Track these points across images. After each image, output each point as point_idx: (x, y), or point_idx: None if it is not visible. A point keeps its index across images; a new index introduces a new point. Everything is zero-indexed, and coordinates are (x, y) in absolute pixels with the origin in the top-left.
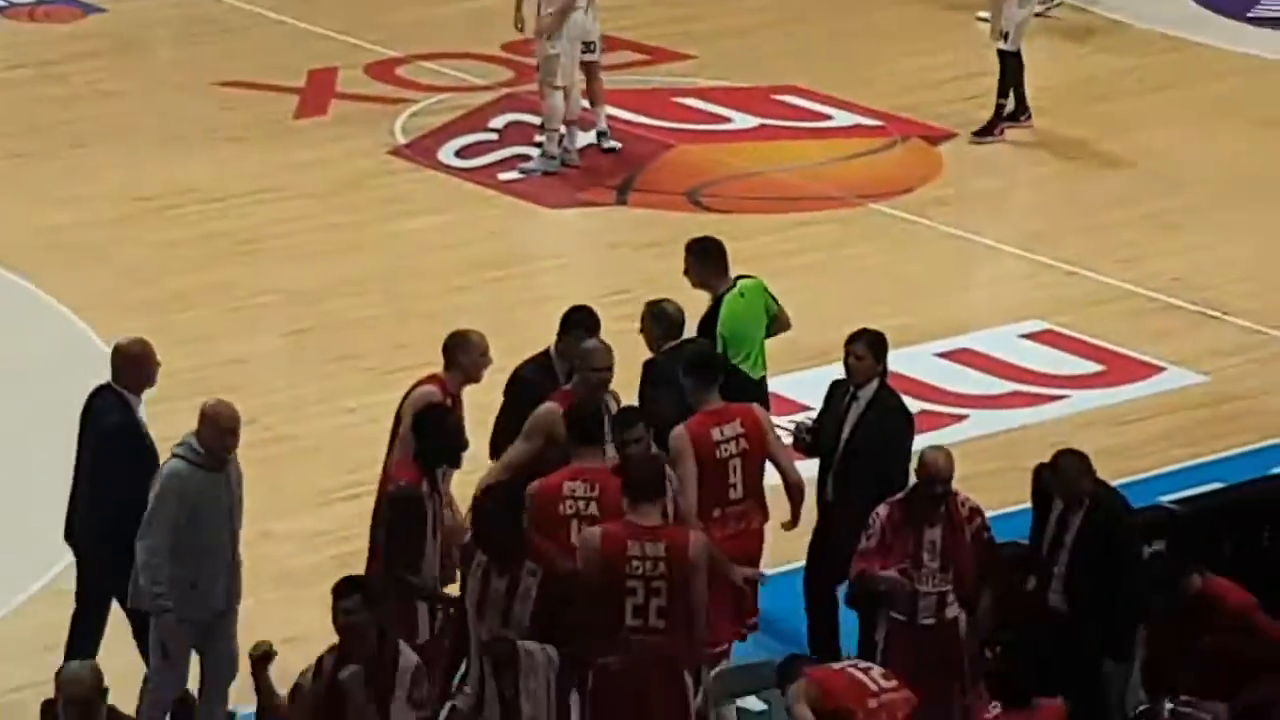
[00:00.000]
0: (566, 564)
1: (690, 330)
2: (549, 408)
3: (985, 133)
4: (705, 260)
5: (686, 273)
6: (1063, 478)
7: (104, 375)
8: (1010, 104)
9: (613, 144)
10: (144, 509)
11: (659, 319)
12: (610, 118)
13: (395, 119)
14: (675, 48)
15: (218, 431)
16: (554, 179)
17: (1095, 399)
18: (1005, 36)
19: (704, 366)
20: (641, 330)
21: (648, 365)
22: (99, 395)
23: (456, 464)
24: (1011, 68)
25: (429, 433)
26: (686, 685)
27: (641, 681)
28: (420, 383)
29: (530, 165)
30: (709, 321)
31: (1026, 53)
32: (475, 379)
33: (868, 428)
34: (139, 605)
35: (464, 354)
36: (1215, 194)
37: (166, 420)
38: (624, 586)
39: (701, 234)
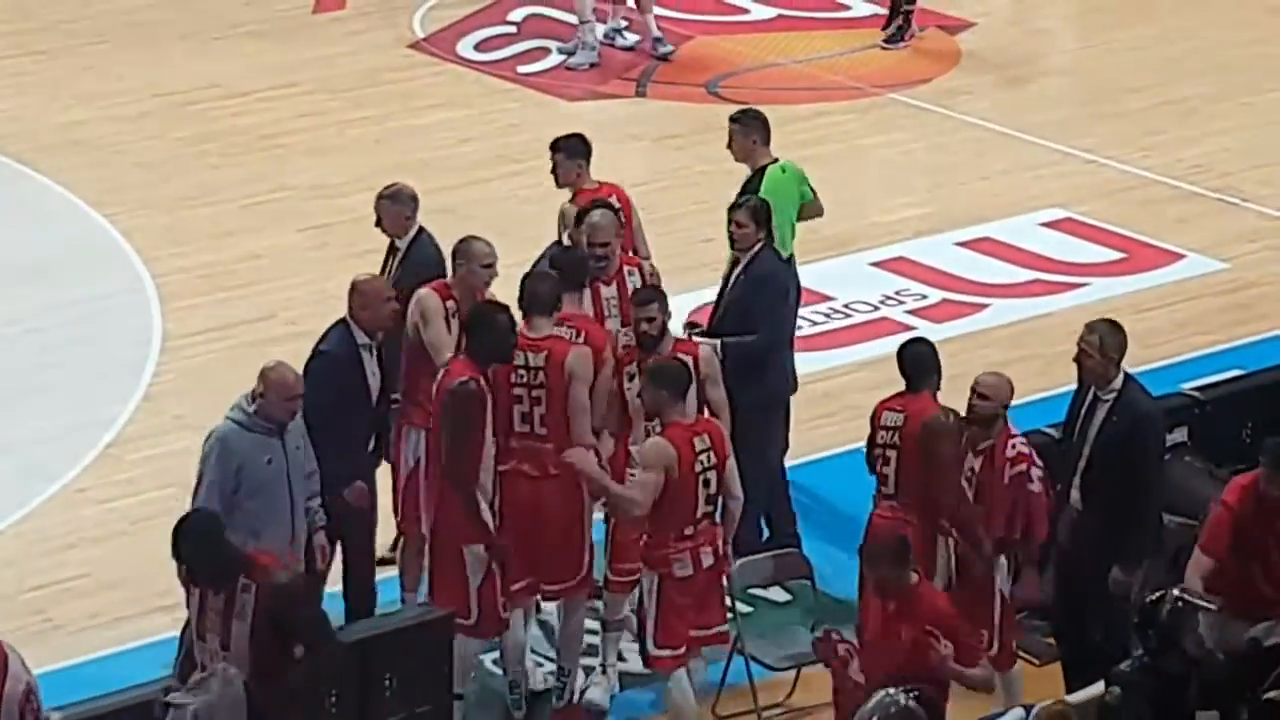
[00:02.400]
0: (282, 576)
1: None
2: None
3: (894, 40)
4: (752, 130)
5: (730, 145)
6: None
7: (122, 269)
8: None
9: (629, 41)
10: None
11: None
12: (630, 9)
13: (414, 13)
14: None
15: (280, 397)
16: (574, 70)
17: (1115, 287)
18: None
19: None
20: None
21: None
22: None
23: (508, 361)
24: None
25: (482, 332)
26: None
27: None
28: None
29: (577, 60)
30: (749, 191)
31: None
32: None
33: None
34: None
35: (465, 261)
36: (1235, 81)
37: (186, 315)
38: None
39: (721, 125)
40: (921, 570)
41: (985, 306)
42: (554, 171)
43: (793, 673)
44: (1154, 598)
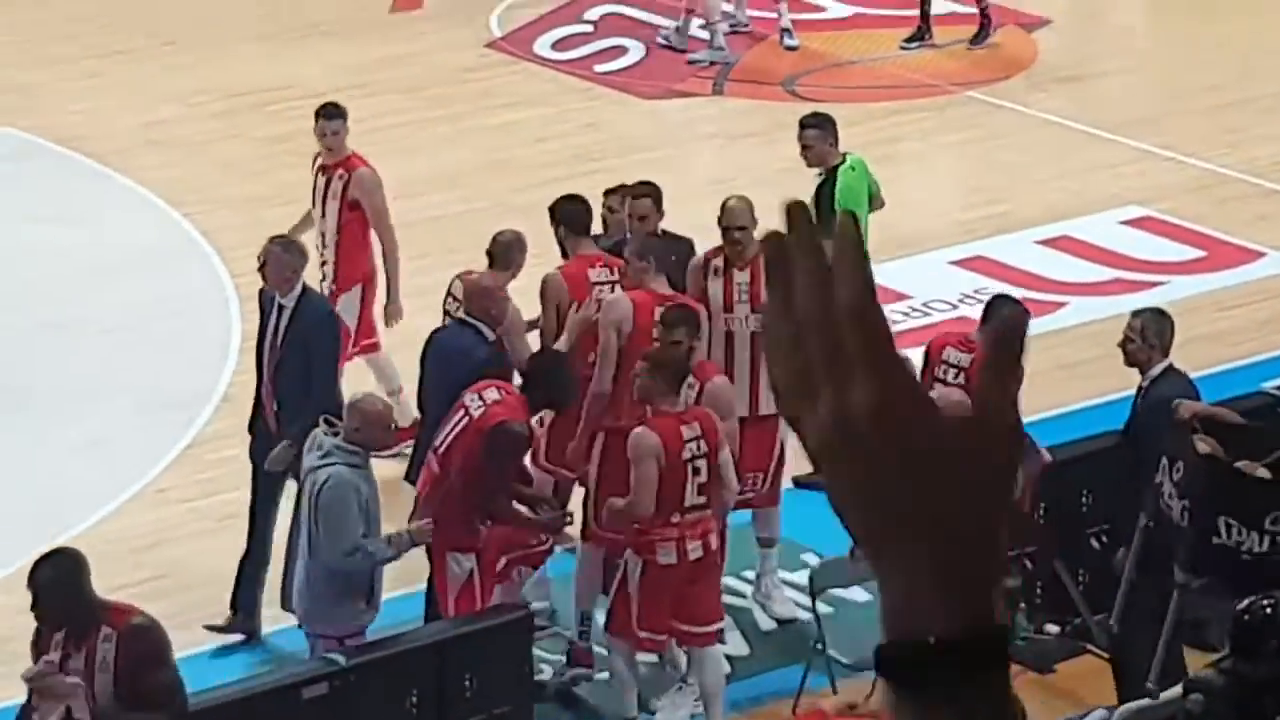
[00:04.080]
0: (141, 620)
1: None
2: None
3: (979, 39)
4: (827, 132)
5: (805, 148)
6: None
7: (202, 269)
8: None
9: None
10: None
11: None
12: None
13: (491, 12)
14: None
15: (380, 428)
16: (650, 69)
17: (1196, 285)
18: None
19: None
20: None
21: None
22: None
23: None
24: None
25: (539, 382)
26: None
27: None
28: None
29: (699, 56)
30: (825, 195)
31: None
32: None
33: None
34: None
35: (521, 253)
36: None
37: None
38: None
39: (796, 123)
40: None
41: (1065, 305)
42: (806, 149)
43: (873, 673)
44: (1244, 604)
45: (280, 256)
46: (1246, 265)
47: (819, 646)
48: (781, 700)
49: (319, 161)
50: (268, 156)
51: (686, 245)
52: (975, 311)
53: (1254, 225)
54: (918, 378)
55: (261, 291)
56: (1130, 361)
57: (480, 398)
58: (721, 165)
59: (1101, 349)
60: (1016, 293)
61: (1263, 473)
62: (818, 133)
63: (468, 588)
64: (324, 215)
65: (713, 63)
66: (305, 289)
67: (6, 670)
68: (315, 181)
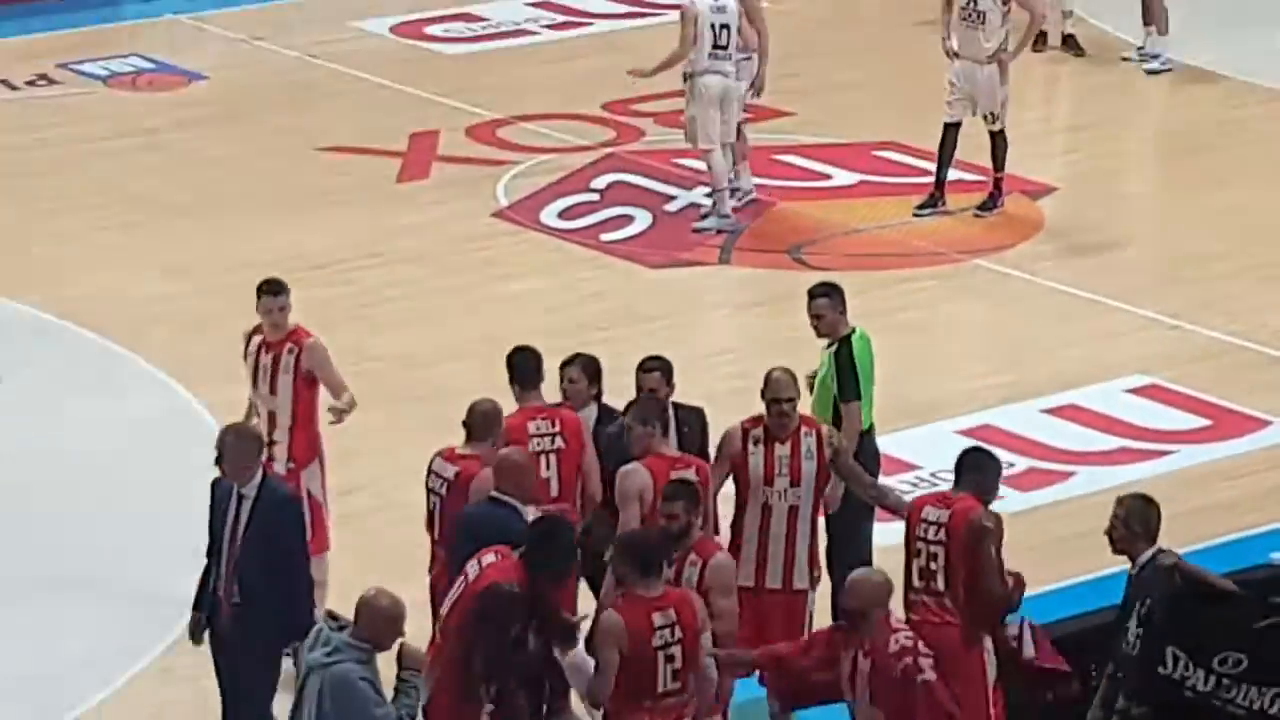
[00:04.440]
0: None
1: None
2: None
3: (988, 207)
4: (837, 301)
5: (816, 317)
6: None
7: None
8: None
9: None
10: None
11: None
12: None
13: (497, 181)
14: (775, 105)
15: (391, 626)
16: (657, 238)
17: (1203, 454)
18: (994, 118)
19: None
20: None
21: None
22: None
23: (562, 581)
24: (1002, 145)
25: (540, 546)
26: None
27: None
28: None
29: (705, 224)
30: (844, 362)
31: (1128, 105)
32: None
33: None
34: None
35: (493, 429)
36: None
37: None
38: None
39: (805, 292)
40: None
41: (1072, 474)
42: (818, 318)
43: None
44: None
45: (237, 445)
46: (1253, 434)
47: None
48: None
49: (261, 339)
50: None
51: (698, 415)
52: None
53: (1259, 393)
54: None
55: (216, 482)
56: (1117, 550)
57: (479, 563)
58: (728, 334)
59: (1107, 520)
60: (1023, 463)
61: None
62: (828, 302)
63: None
64: (274, 393)
65: (719, 231)
66: (265, 475)
67: None
68: (259, 361)
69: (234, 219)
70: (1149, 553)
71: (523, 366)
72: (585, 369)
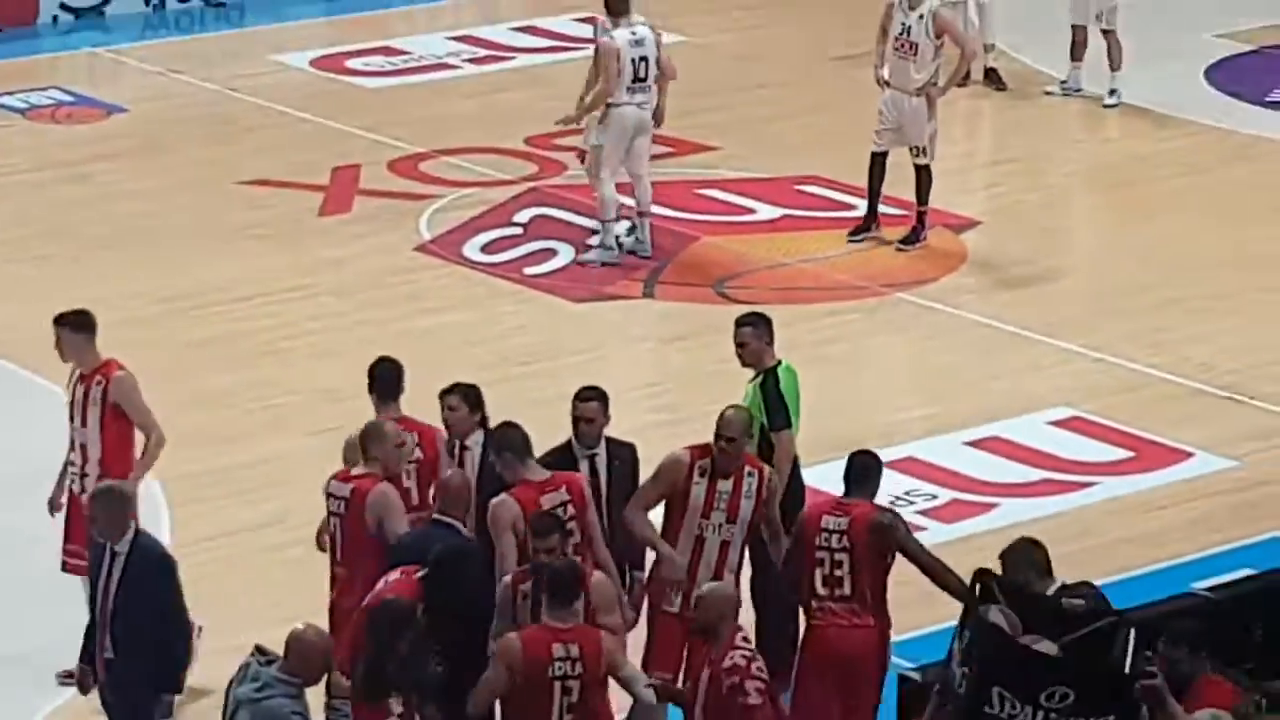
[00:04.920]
0: None
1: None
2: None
3: (910, 240)
4: (764, 332)
5: (740, 345)
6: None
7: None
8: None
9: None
10: None
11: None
12: (635, 210)
13: (420, 215)
14: (699, 139)
15: (320, 660)
16: (580, 272)
17: (1125, 485)
18: (921, 151)
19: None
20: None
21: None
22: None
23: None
24: (927, 179)
25: (438, 572)
26: None
27: None
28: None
29: (589, 256)
30: (770, 391)
31: (1052, 139)
32: (394, 472)
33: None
34: None
35: (378, 446)
36: (1240, 278)
37: (194, 522)
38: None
39: (729, 325)
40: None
41: (995, 506)
42: (742, 347)
43: None
44: None
45: (105, 505)
46: (1176, 465)
47: None
48: None
49: (77, 372)
50: (194, 362)
51: (629, 450)
52: (906, 512)
53: (1182, 425)
54: None
55: (91, 541)
56: None
57: (385, 580)
58: (652, 368)
59: None
60: (946, 494)
61: (1048, 647)
62: (753, 330)
63: None
64: (84, 425)
65: (603, 264)
66: (138, 533)
67: None
68: (73, 394)
69: (154, 251)
70: (1053, 588)
71: (383, 377)
72: (465, 397)
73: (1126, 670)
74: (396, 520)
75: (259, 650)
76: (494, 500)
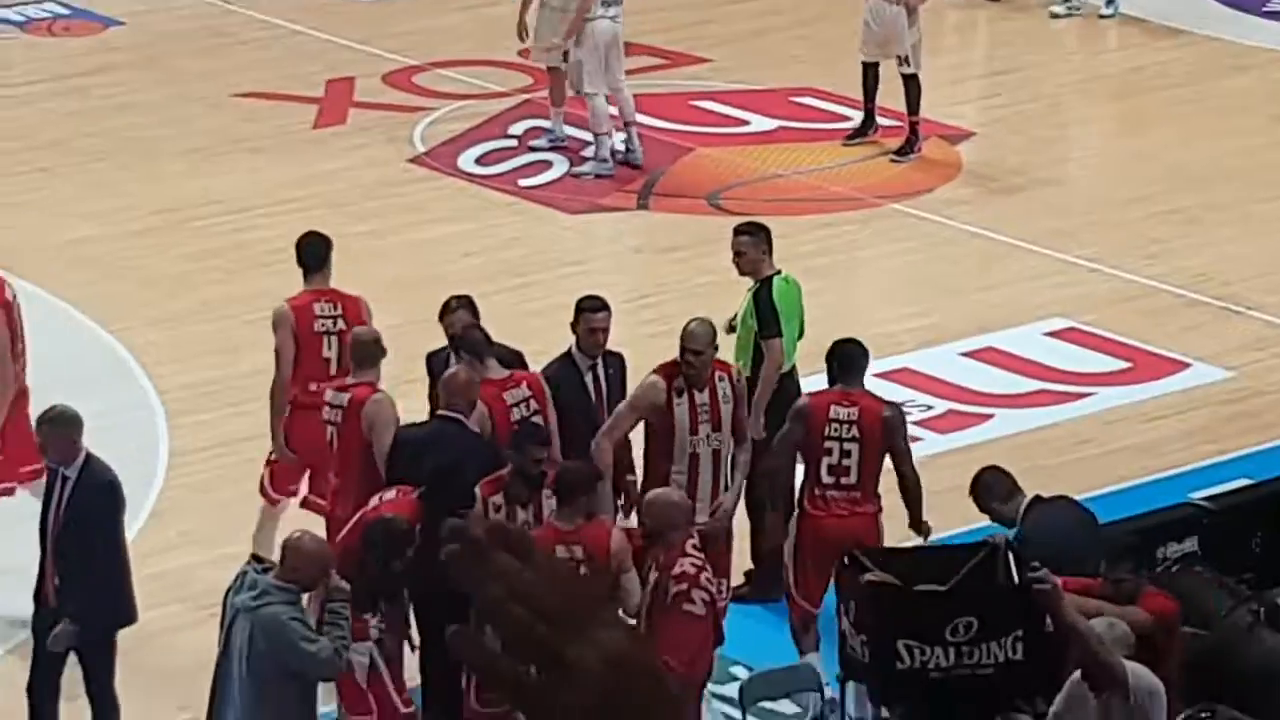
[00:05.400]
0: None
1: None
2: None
3: (904, 152)
4: (762, 241)
5: (738, 254)
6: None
7: (128, 385)
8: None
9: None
10: None
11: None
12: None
13: (414, 127)
14: (693, 51)
15: (318, 567)
16: (575, 184)
17: (1121, 396)
18: (906, 61)
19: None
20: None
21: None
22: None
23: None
24: (915, 89)
25: (437, 488)
26: None
27: None
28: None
29: (584, 169)
30: (764, 300)
31: (1048, 51)
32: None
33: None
34: None
35: (371, 356)
36: (1236, 189)
37: (192, 431)
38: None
39: (723, 236)
40: None
41: (990, 417)
42: (739, 255)
43: None
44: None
45: (52, 430)
46: (1172, 376)
47: None
48: None
49: None
50: (191, 273)
51: (620, 360)
52: None
53: (1179, 336)
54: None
55: (47, 465)
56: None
57: (380, 497)
58: (646, 280)
59: (1029, 460)
60: (942, 405)
61: (935, 588)
62: (751, 239)
63: (373, 676)
64: None
65: (598, 176)
66: (88, 458)
67: None
68: None
69: (152, 164)
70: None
71: (310, 251)
72: (469, 309)
73: (1016, 584)
74: (383, 433)
75: (255, 558)
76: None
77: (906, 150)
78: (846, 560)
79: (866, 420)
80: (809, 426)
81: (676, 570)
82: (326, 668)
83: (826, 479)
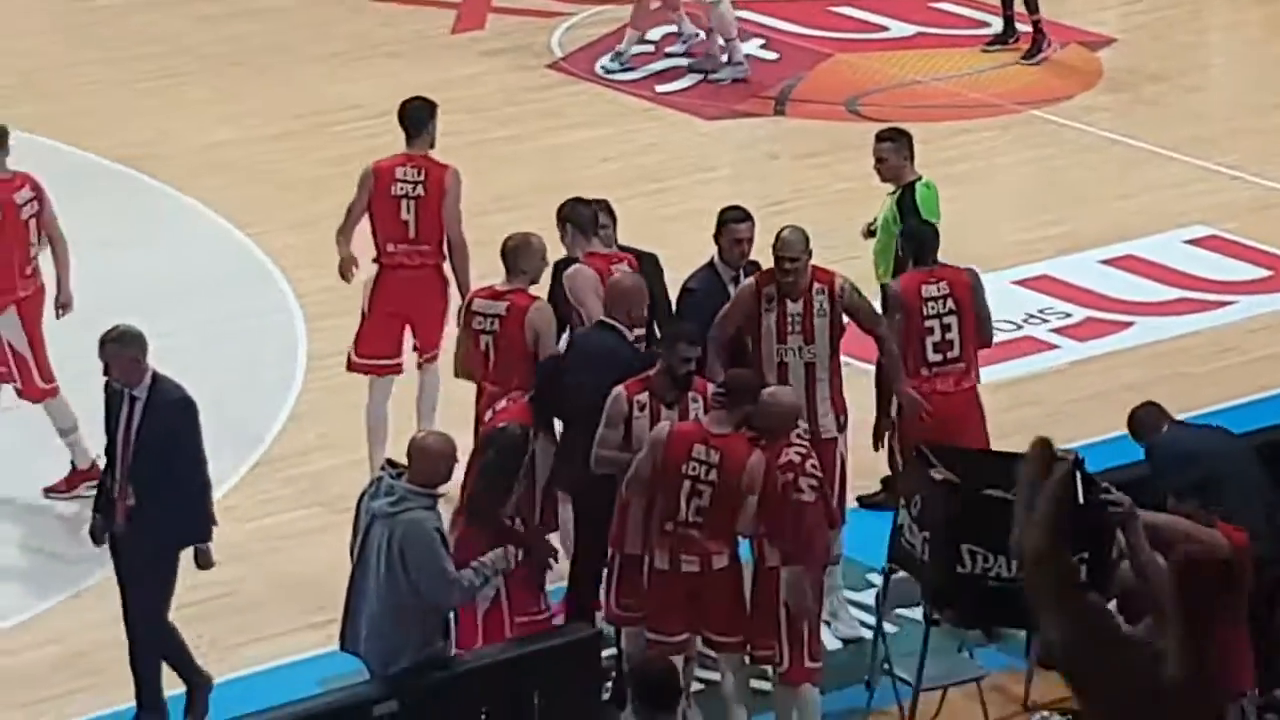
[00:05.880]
0: None
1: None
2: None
3: (1033, 54)
4: (904, 147)
5: (879, 160)
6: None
7: (267, 288)
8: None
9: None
10: None
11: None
12: (768, 28)
13: (552, 33)
14: None
15: (445, 463)
16: (712, 89)
17: (1263, 304)
18: None
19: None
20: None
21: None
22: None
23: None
24: None
25: (544, 389)
26: None
27: None
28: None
29: (720, 75)
30: (906, 208)
31: None
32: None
33: None
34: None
35: (526, 259)
36: None
37: (331, 335)
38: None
39: (862, 143)
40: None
41: (1130, 325)
42: (881, 162)
43: (939, 694)
44: None
45: (119, 350)
46: None
47: (885, 666)
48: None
49: None
50: (330, 178)
51: (757, 268)
52: (1039, 331)
53: None
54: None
55: (108, 386)
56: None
57: (494, 410)
58: (783, 186)
59: (1169, 368)
60: (1080, 312)
61: (1003, 495)
62: (893, 145)
63: (493, 610)
64: None
65: (734, 80)
66: (156, 377)
67: (87, 684)
68: None
69: (288, 69)
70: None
71: (410, 115)
72: (609, 213)
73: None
74: (548, 340)
75: (390, 463)
76: (568, 271)
77: (1034, 51)
78: (915, 452)
79: (957, 291)
80: (904, 310)
81: (782, 460)
82: (452, 593)
83: (934, 356)
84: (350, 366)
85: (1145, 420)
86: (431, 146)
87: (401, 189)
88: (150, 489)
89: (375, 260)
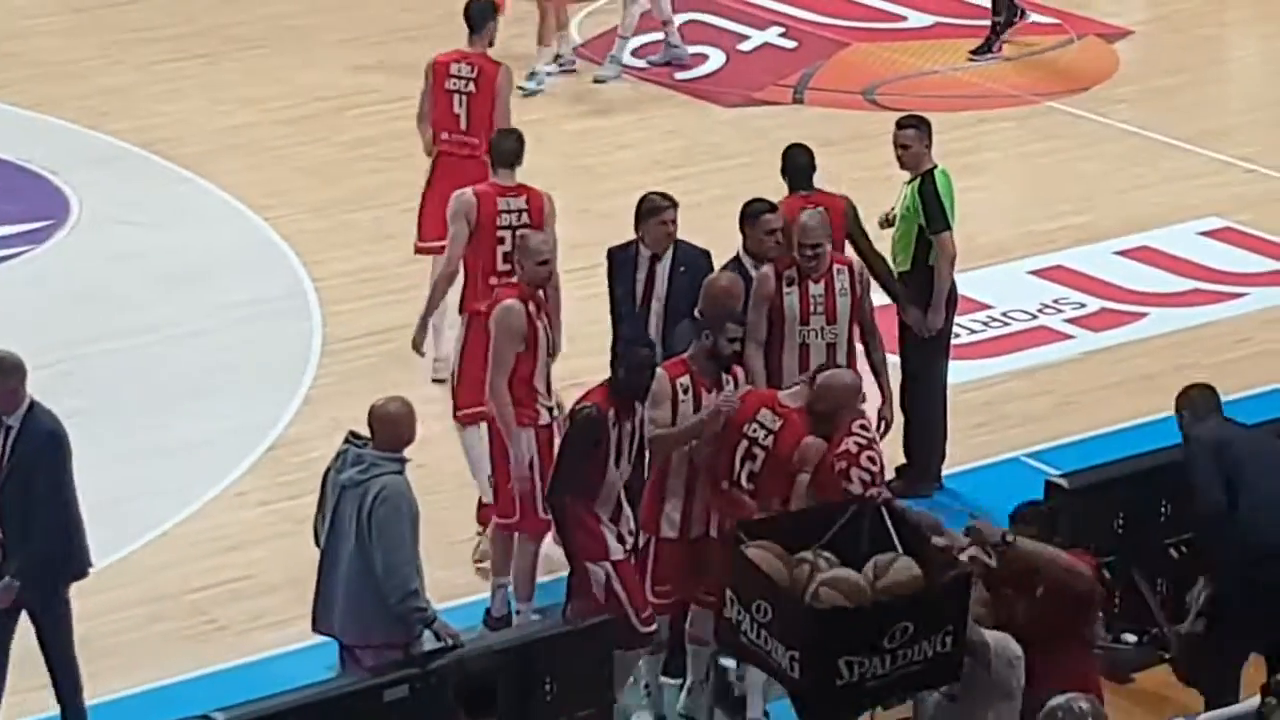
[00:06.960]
0: None
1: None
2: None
3: (982, 51)
4: (925, 135)
5: (902, 147)
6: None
7: (283, 273)
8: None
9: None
10: None
11: None
12: (788, 16)
13: (572, 18)
14: None
15: (408, 427)
16: (732, 77)
17: (1277, 296)
18: None
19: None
20: None
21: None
22: None
23: (641, 398)
24: None
25: (622, 365)
26: None
27: None
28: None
29: (655, 57)
30: (929, 195)
31: None
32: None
33: None
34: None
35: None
36: None
37: (347, 319)
38: None
39: (879, 132)
40: None
41: (1144, 315)
42: (904, 148)
43: None
44: None
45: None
46: None
47: None
48: None
49: None
50: (349, 161)
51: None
52: (1054, 321)
53: None
54: None
55: None
56: None
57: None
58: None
59: (1182, 359)
60: (1095, 303)
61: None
62: (915, 133)
63: (610, 594)
64: None
65: (668, 63)
66: (33, 406)
67: (93, 669)
68: None
69: (308, 52)
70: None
71: (474, 10)
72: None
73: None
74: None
75: (353, 435)
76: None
77: (984, 49)
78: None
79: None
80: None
81: (840, 449)
82: (397, 575)
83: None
84: (417, 250)
85: (1197, 403)
86: (490, 45)
87: (455, 84)
88: (15, 524)
89: (433, 143)
